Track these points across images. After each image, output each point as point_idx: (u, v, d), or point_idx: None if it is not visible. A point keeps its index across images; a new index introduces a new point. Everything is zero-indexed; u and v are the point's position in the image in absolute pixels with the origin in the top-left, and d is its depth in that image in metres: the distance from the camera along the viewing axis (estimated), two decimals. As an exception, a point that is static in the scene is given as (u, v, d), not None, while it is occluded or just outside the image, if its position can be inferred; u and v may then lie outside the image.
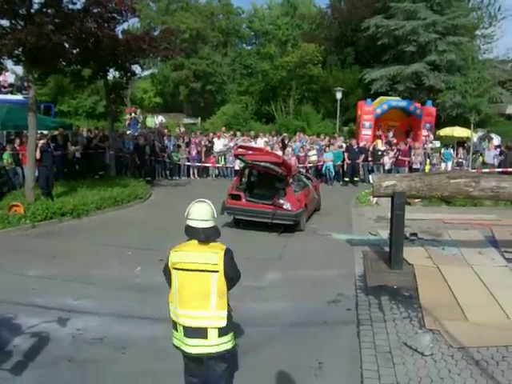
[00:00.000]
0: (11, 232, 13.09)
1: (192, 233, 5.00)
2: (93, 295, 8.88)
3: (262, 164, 13.97)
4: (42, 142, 15.63)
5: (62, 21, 14.67)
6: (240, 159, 15.95)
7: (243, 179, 14.98)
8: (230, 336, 4.97)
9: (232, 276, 5.07)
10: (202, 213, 5.06)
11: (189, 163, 24.39)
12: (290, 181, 14.37)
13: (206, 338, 4.86)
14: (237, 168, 21.96)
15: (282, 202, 13.74)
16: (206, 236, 4.96)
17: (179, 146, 24.48)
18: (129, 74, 20.56)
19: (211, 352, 4.89)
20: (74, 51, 16.28)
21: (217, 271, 4.88)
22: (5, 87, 26.13)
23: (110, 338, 7.23)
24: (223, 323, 4.88)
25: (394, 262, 10.20)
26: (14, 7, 14.05)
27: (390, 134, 27.10)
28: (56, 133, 20.28)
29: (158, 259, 8.60)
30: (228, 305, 4.98)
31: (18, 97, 24.66)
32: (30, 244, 12.21)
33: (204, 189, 21.05)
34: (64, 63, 16.83)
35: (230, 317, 4.95)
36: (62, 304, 8.42)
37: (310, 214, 15.49)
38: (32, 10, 14.39)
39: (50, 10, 14.79)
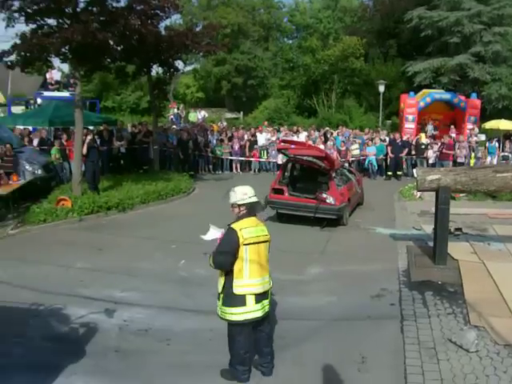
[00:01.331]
0: (59, 225, 13.45)
1: (258, 207, 6.19)
2: (138, 287, 9.06)
3: (305, 158, 13.97)
4: (88, 137, 15.98)
5: (107, 18, 14.91)
6: (283, 153, 15.92)
7: (286, 173, 14.98)
8: None
9: None
10: (252, 190, 6.09)
11: (231, 157, 24.50)
12: (333, 175, 14.32)
13: (268, 298, 6.01)
14: (279, 162, 21.97)
15: (324, 196, 13.71)
16: None
17: (222, 141, 24.58)
18: (172, 70, 20.72)
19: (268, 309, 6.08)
20: (119, 48, 16.44)
21: (269, 241, 6.06)
22: (52, 84, 26.87)
23: (155, 330, 7.39)
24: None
25: (439, 257, 10.07)
26: (61, 6, 14.33)
27: (430, 128, 26.70)
28: (101, 128, 20.68)
29: (202, 253, 8.74)
30: None
31: (65, 94, 25.33)
32: (77, 237, 12.51)
33: (246, 183, 20.93)
34: (109, 60, 17.08)
35: None
36: (108, 296, 8.63)
37: (352, 209, 15.40)
38: (78, 9, 14.70)
39: (94, 9, 15.08)
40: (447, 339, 6.77)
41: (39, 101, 25.77)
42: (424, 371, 6.05)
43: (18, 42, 14.50)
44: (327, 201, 13.69)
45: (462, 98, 28.23)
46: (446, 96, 28.54)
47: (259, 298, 5.83)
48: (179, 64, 22.10)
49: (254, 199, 6.02)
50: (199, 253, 10.01)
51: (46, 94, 25.90)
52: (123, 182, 17.53)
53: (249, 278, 5.77)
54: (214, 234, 6.14)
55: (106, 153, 19.56)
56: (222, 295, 5.89)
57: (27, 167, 16.08)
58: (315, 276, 9.95)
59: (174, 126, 27.00)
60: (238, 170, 24.49)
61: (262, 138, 25.14)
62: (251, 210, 5.99)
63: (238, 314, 5.78)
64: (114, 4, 15.51)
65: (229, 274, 5.80)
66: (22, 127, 20.66)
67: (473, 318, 7.38)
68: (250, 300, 5.77)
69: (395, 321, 7.62)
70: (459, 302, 8.13)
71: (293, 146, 14.69)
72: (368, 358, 6.55)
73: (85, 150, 15.56)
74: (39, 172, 16.39)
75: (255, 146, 24.63)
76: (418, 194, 16.56)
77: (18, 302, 8.09)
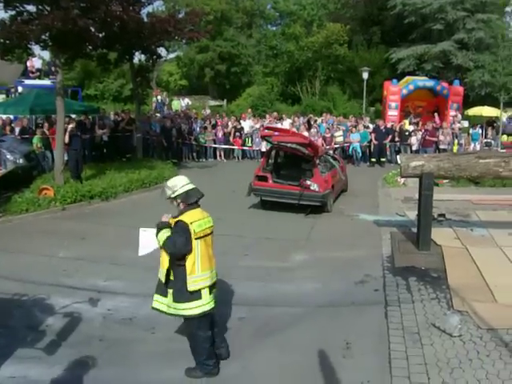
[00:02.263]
0: (42, 215, 13.34)
1: (194, 194, 5.81)
2: (122, 276, 9.02)
3: (289, 145, 13.95)
4: (70, 126, 15.83)
5: (88, 5, 14.67)
6: (267, 140, 15.95)
7: (270, 160, 14.95)
8: None
9: None
10: (185, 179, 5.90)
11: (215, 145, 24.42)
12: (317, 162, 14.32)
13: (216, 288, 6.06)
14: (263, 150, 21.99)
15: (308, 183, 13.71)
16: None
17: (205, 128, 24.50)
18: (154, 57, 20.57)
19: None
20: (100, 35, 16.23)
21: (213, 232, 5.97)
22: (33, 72, 26.53)
23: (139, 319, 7.37)
24: None
25: (422, 243, 10.14)
26: (41, -8, 14.15)
27: (411, 119, 26.86)
28: (83, 118, 20.43)
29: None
30: None
31: (46, 82, 24.99)
32: (60, 226, 12.42)
33: (230, 170, 21.15)
34: (90, 47, 16.85)
35: None
36: (92, 285, 8.58)
37: (336, 195, 15.46)
38: (58, -5, 14.47)
39: (75, -5, 14.86)
40: (431, 324, 6.83)
41: (20, 89, 25.44)
42: (408, 356, 6.09)
43: (-3, 29, 14.27)
44: (311, 188, 13.70)
45: (445, 85, 28.30)
46: (429, 83, 28.59)
47: (211, 289, 5.84)
48: (162, 51, 22.04)
49: (188, 187, 5.77)
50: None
51: (27, 82, 25.57)
52: (106, 170, 17.42)
53: (201, 271, 5.68)
54: (149, 242, 6.02)
55: (88, 141, 19.41)
56: (171, 291, 5.77)
57: (8, 156, 15.89)
58: (300, 263, 9.97)
59: (158, 114, 26.83)
60: (222, 158, 24.44)
61: (246, 126, 25.10)
62: (188, 198, 5.73)
63: (194, 308, 5.69)
64: (95, -10, 15.29)
65: (179, 269, 5.65)
66: (3, 116, 20.41)
67: (456, 303, 7.45)
68: (205, 292, 5.73)
69: (379, 306, 7.67)
70: (443, 287, 8.20)
71: (276, 133, 14.64)
72: (353, 343, 6.58)
73: (67, 139, 15.41)
74: (21, 161, 16.19)
75: (240, 133, 24.55)
76: (402, 180, 16.66)
77: (0, 292, 8.01)
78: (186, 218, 5.61)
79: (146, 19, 18.76)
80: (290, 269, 9.58)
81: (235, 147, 24.49)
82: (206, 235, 5.73)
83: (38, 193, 14.20)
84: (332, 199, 14.58)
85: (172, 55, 46.63)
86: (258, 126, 24.67)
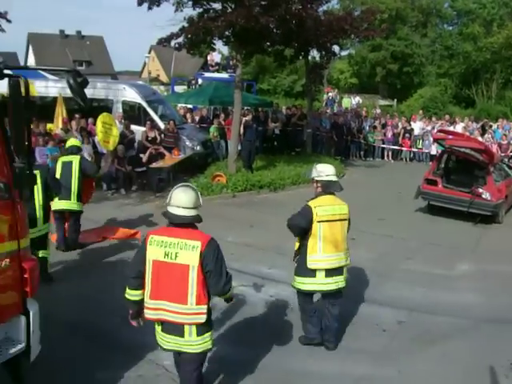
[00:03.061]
0: (214, 200, 14.13)
1: (334, 186, 6.22)
2: (285, 266, 9.25)
3: (463, 150, 13.41)
4: (246, 118, 16.58)
5: (269, 3, 15.17)
6: (439, 143, 15.48)
7: (441, 164, 14.47)
8: None
9: None
10: (333, 170, 6.30)
11: (384, 145, 24.11)
12: (492, 169, 13.63)
13: (342, 274, 6.31)
14: (433, 152, 21.40)
15: (480, 190, 13.08)
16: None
17: (375, 128, 24.26)
18: (329, 54, 20.82)
19: None
20: (279, 32, 16.82)
21: (347, 219, 6.36)
22: (212, 66, 28.02)
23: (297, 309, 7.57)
24: None
25: None
26: (226, -10, 14.94)
27: None
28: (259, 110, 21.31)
29: (350, 238, 8.76)
30: None
31: (224, 75, 26.30)
32: (230, 212, 13.11)
33: (397, 171, 20.78)
34: (268, 43, 17.53)
35: None
36: (257, 271, 8.99)
37: (510, 207, 14.57)
38: (241, -6, 15.19)
39: (257, -7, 15.49)
40: None
41: (200, 81, 27.08)
42: None
43: (186, 25, 15.30)
44: (483, 196, 13.05)
45: None
46: None
47: (331, 272, 6.13)
48: (336, 49, 22.10)
49: (331, 178, 6.20)
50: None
51: (207, 74, 27.05)
52: (276, 162, 18.01)
53: (322, 253, 6.08)
54: None
55: (260, 133, 20.16)
56: (296, 265, 6.38)
57: (187, 143, 17.12)
58: (465, 273, 9.62)
59: (328, 111, 27.06)
60: (390, 158, 24.04)
61: (417, 127, 24.46)
62: (326, 187, 6.18)
63: (306, 284, 6.23)
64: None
65: (303, 247, 6.21)
66: (183, 105, 21.90)
67: None
68: (320, 274, 6.12)
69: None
70: None
71: (450, 137, 14.17)
72: (517, 364, 6.23)
73: (242, 130, 16.18)
74: (198, 148, 17.38)
75: (406, 135, 24.01)
76: None
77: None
78: (313, 202, 6.14)
79: (323, 17, 19.02)
80: (455, 278, 9.30)
81: (404, 148, 23.96)
82: (331, 220, 6.09)
83: (212, 179, 15.09)
84: (504, 210, 13.77)
85: (344, 53, 46.73)
86: (428, 128, 23.92)
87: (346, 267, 6.36)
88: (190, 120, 19.96)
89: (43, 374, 5.40)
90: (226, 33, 15.73)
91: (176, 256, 4.45)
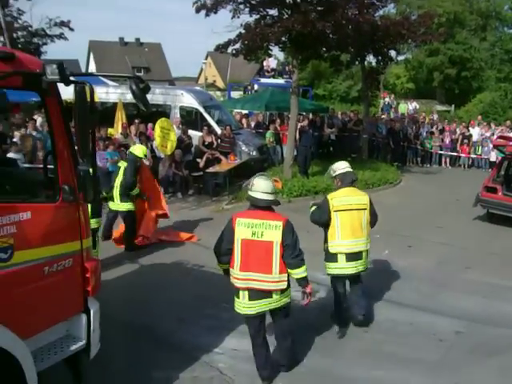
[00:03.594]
0: (269, 204, 14.13)
1: (349, 175, 7.03)
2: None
3: (524, 157, 13.08)
4: (302, 123, 16.61)
5: (325, 8, 15.21)
6: (499, 150, 15.14)
7: (501, 171, 14.11)
8: None
9: None
10: (345, 164, 7.26)
11: (441, 151, 23.68)
12: (553, 177, 13.21)
13: (362, 258, 6.96)
14: (492, 159, 20.92)
15: (542, 199, 12.72)
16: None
17: (432, 133, 23.86)
18: (386, 60, 20.64)
19: None
20: (335, 37, 16.79)
21: (366, 208, 7.04)
22: (268, 72, 28.22)
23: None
24: None
25: None
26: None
27: None
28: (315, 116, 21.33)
29: (407, 245, 8.70)
30: None
31: (280, 81, 26.44)
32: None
33: (456, 178, 20.39)
34: (324, 49, 17.50)
35: None
36: (312, 276, 8.90)
37: None
38: (298, 0, 15.24)
39: (314, -1, 15.53)
40: None
41: (256, 87, 27.27)
42: None
43: (243, 31, 15.51)
44: (545, 205, 12.68)
45: None
46: None
47: (351, 257, 6.82)
48: (393, 54, 21.90)
49: (345, 170, 7.06)
50: (404, 245, 10.02)
51: (263, 80, 27.23)
52: (331, 168, 17.85)
53: (340, 239, 6.78)
54: None
55: (316, 139, 20.12)
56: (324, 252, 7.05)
57: (243, 148, 17.30)
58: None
59: (383, 116, 26.79)
60: (447, 165, 23.61)
61: (475, 133, 23.92)
62: (343, 179, 6.97)
63: (332, 269, 6.96)
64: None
65: (326, 235, 6.93)
66: (239, 111, 22.10)
67: None
68: (341, 258, 6.81)
69: None
70: None
71: (511, 143, 13.81)
72: None
73: (298, 135, 16.20)
74: (254, 153, 17.53)
75: (465, 141, 23.50)
76: None
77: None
78: (331, 195, 6.93)
79: (379, 22, 18.88)
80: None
81: (462, 155, 23.48)
82: (348, 209, 6.77)
83: (268, 184, 15.12)
84: None
85: (400, 58, 46.20)
86: (488, 134, 23.35)
87: (365, 252, 6.96)
88: (245, 125, 20.18)
89: (101, 372, 5.57)
90: (283, 38, 15.84)
91: (262, 234, 5.50)
